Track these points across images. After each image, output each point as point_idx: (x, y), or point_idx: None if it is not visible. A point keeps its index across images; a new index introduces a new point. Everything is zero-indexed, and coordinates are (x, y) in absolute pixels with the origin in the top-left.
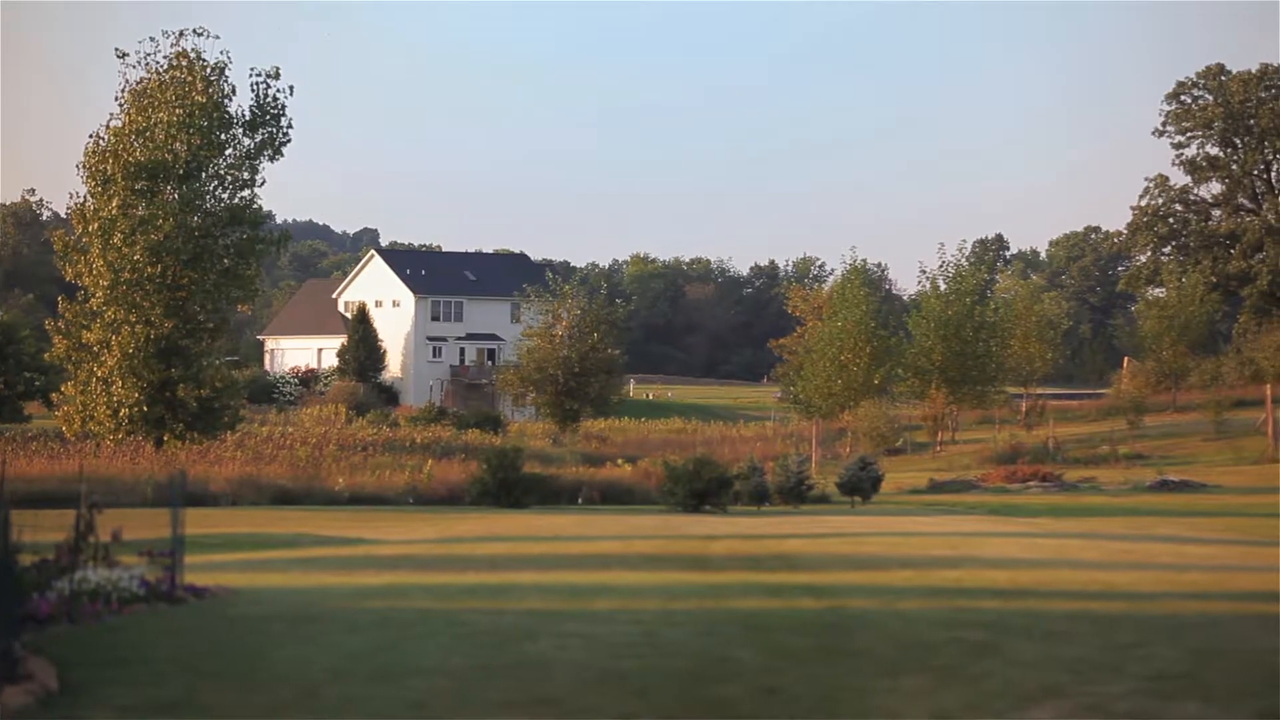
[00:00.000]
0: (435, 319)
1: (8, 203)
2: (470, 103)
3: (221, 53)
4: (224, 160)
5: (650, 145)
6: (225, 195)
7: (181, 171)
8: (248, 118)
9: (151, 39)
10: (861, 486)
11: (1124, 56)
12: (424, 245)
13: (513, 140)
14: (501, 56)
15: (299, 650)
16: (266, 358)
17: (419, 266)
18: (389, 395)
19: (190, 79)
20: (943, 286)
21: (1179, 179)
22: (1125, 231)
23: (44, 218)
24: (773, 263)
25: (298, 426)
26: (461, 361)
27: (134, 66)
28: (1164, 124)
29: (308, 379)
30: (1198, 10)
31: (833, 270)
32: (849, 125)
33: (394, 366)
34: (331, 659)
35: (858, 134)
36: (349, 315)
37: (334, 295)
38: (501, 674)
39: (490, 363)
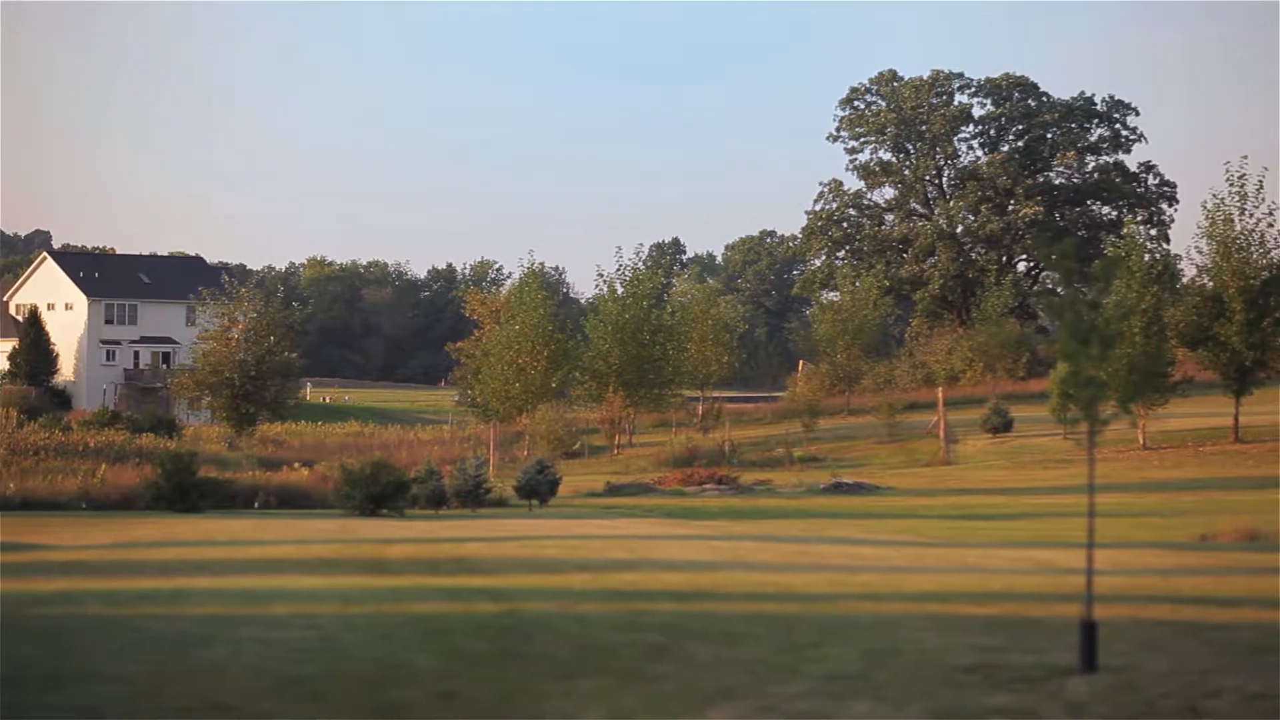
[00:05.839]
0: (109, 322)
1: None
2: (139, 102)
3: None
4: None
5: (323, 146)
6: None
7: None
8: None
9: None
10: (539, 490)
11: (801, 60)
12: (98, 248)
13: (185, 141)
14: (172, 56)
15: None
16: None
17: (92, 269)
18: (62, 399)
19: None
20: (620, 290)
21: (853, 184)
22: (800, 235)
23: None
24: (450, 266)
25: None
26: (136, 365)
27: None
28: (838, 129)
29: None
30: (874, 11)
31: (510, 274)
32: (525, 127)
33: (67, 370)
34: (2, 667)
35: (536, 136)
36: (20, 318)
37: (4, 298)
38: (176, 680)
39: (165, 366)
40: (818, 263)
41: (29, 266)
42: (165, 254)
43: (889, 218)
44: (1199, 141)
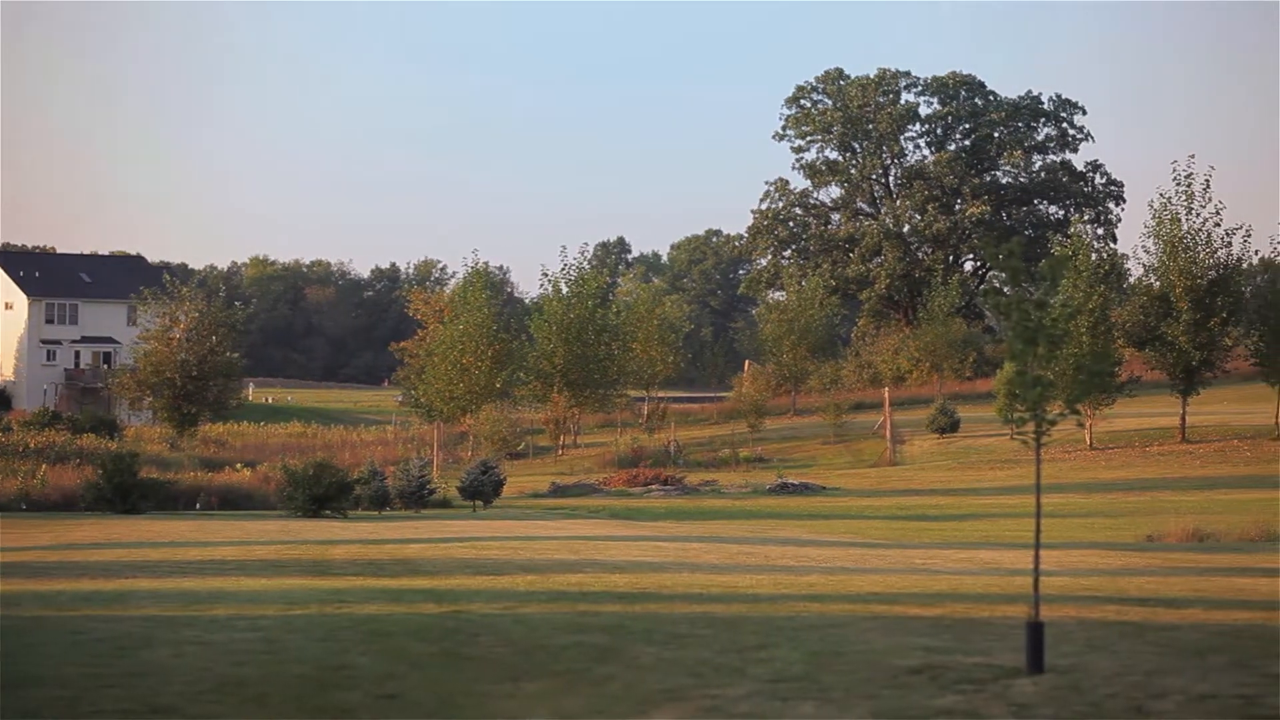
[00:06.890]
0: (49, 322)
1: None
2: (82, 99)
3: None
4: None
5: (265, 143)
6: None
7: None
8: None
9: None
10: (483, 490)
11: (747, 58)
12: (38, 247)
13: (127, 139)
14: (110, 53)
15: None
16: None
17: (33, 268)
18: (1, 399)
19: None
20: (564, 289)
21: (799, 183)
22: (746, 235)
23: None
24: (394, 265)
25: None
26: (77, 365)
27: None
28: (784, 128)
29: None
30: (821, 10)
31: (454, 273)
32: (470, 125)
33: (7, 370)
34: None
35: (480, 135)
36: None
37: None
38: (117, 683)
39: (106, 366)
40: (764, 262)
41: None
42: (106, 253)
43: (835, 217)
44: (1148, 140)
